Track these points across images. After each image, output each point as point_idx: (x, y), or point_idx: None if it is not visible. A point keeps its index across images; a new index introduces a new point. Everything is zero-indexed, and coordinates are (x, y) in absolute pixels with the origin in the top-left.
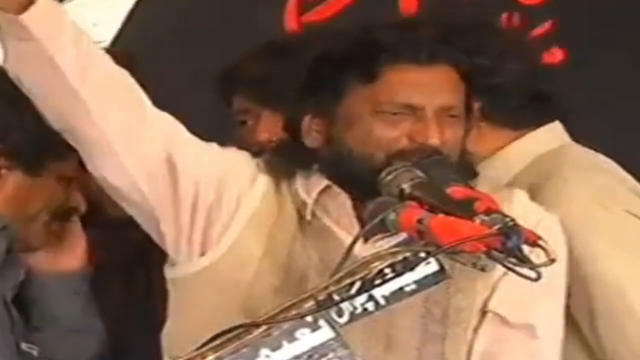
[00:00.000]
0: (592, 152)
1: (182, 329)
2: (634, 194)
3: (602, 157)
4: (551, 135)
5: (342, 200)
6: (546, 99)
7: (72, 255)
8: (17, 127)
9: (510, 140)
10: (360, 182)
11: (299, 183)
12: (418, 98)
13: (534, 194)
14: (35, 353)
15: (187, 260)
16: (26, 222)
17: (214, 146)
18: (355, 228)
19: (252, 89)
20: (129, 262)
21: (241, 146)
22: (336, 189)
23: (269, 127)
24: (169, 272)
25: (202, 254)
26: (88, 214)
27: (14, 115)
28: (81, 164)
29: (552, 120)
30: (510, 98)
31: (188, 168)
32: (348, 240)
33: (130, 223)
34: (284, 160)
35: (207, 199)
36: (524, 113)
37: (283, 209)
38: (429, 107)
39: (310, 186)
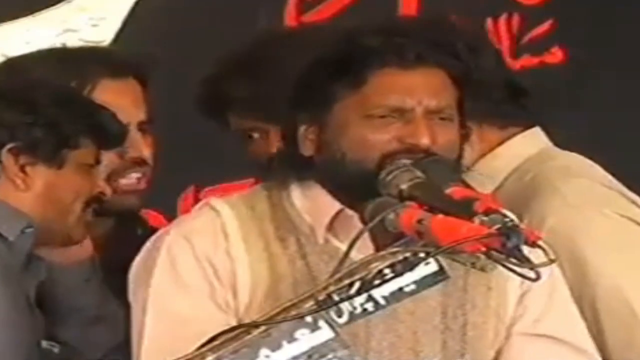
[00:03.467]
0: (575, 155)
1: None
2: (621, 195)
3: (584, 160)
4: (531, 141)
5: (355, 223)
6: (525, 93)
7: (80, 246)
8: (30, 123)
9: (496, 143)
10: (354, 186)
11: (300, 203)
12: (406, 100)
13: (521, 204)
14: (56, 350)
15: None
16: (61, 216)
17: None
18: (370, 250)
19: (257, 109)
20: (134, 257)
21: (250, 157)
22: (348, 212)
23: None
24: None
25: None
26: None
27: (25, 112)
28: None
29: (535, 116)
30: (491, 92)
31: None
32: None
33: (135, 217)
34: (281, 171)
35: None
36: (507, 108)
37: (280, 226)
38: (417, 108)
39: (319, 210)
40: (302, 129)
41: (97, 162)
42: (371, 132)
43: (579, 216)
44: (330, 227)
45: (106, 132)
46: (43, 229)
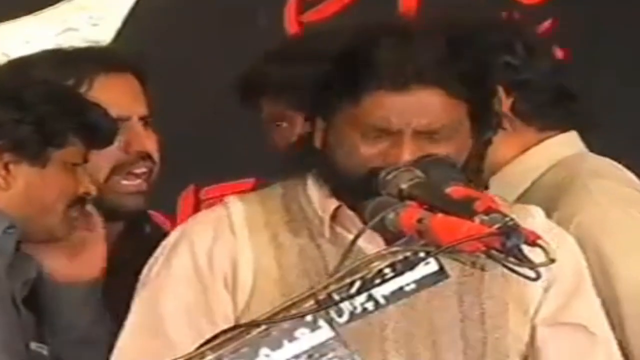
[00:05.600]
0: (605, 159)
1: None
2: None
3: (614, 164)
4: (568, 143)
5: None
6: (572, 98)
7: (89, 265)
8: (16, 121)
9: (533, 143)
10: (347, 189)
11: (315, 196)
12: (392, 122)
13: (553, 200)
14: (45, 352)
15: None
16: (43, 214)
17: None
18: (378, 240)
19: (288, 96)
20: (142, 257)
21: (273, 147)
22: (345, 207)
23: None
24: None
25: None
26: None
27: (12, 110)
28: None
29: (576, 121)
30: (539, 94)
31: None
32: (372, 251)
33: (142, 216)
34: (294, 161)
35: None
36: (551, 111)
37: (293, 218)
38: (405, 130)
39: (326, 203)
40: (319, 122)
41: (85, 160)
42: (362, 146)
43: (604, 214)
44: (337, 219)
45: (96, 130)
46: (22, 227)
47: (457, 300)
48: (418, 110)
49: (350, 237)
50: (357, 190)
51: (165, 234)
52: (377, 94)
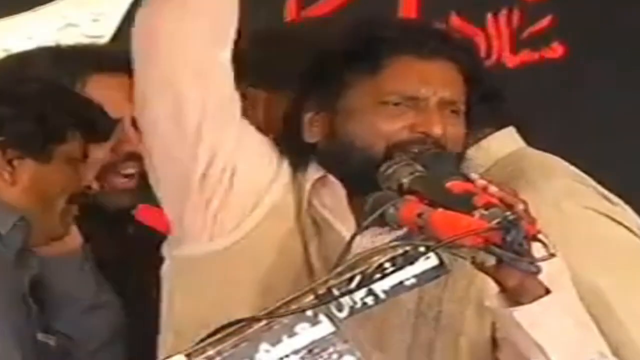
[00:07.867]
0: (548, 155)
1: (192, 309)
2: (595, 192)
3: (558, 159)
4: (507, 139)
5: (337, 190)
6: (500, 100)
7: (71, 237)
8: (17, 117)
9: (469, 144)
10: (359, 175)
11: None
12: (422, 89)
13: None
14: (52, 343)
15: (194, 240)
16: (45, 211)
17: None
18: (350, 220)
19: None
20: (123, 259)
21: None
22: (331, 178)
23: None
24: (173, 249)
25: (211, 238)
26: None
27: (12, 106)
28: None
29: (503, 122)
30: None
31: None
32: (343, 231)
33: (127, 217)
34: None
35: (219, 175)
36: (476, 112)
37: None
38: (432, 98)
39: (307, 176)
40: (307, 116)
41: (85, 156)
42: (383, 119)
43: (556, 214)
44: (316, 191)
45: (95, 125)
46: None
47: (418, 296)
48: (441, 80)
49: (323, 211)
50: (369, 174)
51: (150, 233)
52: (400, 59)
